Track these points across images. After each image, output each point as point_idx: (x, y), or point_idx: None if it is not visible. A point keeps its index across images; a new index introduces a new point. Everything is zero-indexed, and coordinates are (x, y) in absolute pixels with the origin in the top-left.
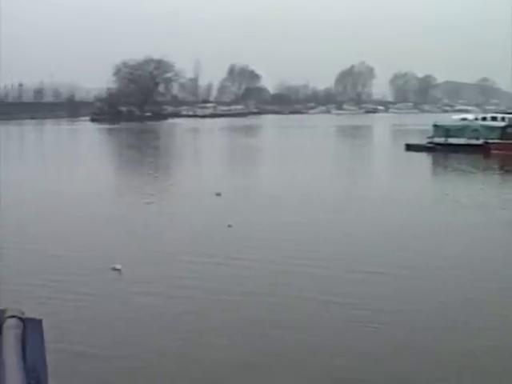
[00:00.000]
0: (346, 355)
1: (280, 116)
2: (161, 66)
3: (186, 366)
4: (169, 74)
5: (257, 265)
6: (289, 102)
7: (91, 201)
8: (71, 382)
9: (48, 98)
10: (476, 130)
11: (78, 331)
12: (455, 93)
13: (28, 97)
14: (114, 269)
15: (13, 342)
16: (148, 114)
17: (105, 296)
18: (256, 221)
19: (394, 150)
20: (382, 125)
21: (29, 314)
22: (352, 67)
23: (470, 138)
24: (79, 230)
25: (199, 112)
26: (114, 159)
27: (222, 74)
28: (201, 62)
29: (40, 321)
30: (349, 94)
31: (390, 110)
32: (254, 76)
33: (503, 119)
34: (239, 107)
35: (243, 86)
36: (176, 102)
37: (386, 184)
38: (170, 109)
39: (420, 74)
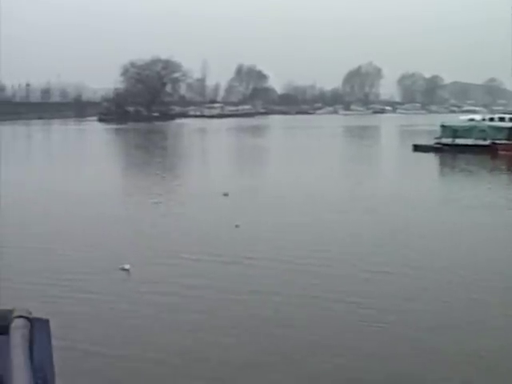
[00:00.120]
0: (347, 354)
1: (287, 116)
2: (168, 66)
3: (192, 364)
4: (176, 74)
5: (264, 264)
6: (296, 103)
7: (99, 201)
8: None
9: (55, 98)
10: (483, 131)
11: (86, 329)
12: (462, 93)
13: (35, 97)
14: (123, 269)
15: (20, 341)
16: (155, 114)
17: (114, 296)
18: (263, 221)
19: (401, 150)
20: (389, 125)
21: (42, 312)
22: (359, 67)
23: (477, 139)
24: (87, 229)
25: (206, 112)
26: (121, 159)
27: (230, 74)
28: (208, 62)
29: (47, 320)
30: (356, 95)
31: (398, 110)
32: (262, 76)
33: (511, 120)
34: (246, 107)
35: (250, 86)
36: (183, 102)
37: (393, 184)
38: (177, 109)
39: (427, 75)
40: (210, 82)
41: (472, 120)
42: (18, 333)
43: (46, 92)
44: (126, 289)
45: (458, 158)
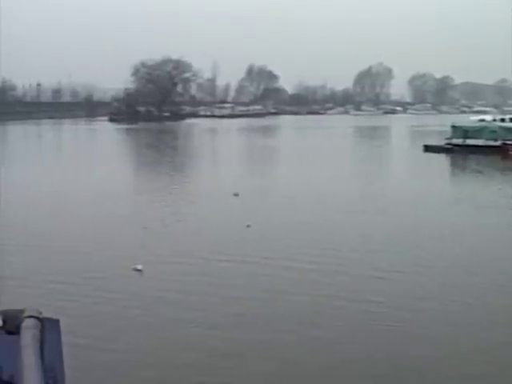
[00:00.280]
0: (360, 351)
1: (298, 116)
2: (179, 66)
3: (203, 359)
4: (187, 74)
5: (274, 264)
6: (307, 103)
7: (111, 200)
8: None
9: (66, 97)
10: (494, 131)
11: (99, 328)
12: (473, 94)
13: (46, 96)
14: (136, 269)
15: (31, 341)
16: (166, 114)
17: (129, 295)
18: (274, 221)
19: (412, 151)
20: (400, 126)
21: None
22: (370, 68)
23: (487, 139)
24: (99, 229)
25: (217, 112)
26: (132, 159)
27: (240, 74)
28: (219, 62)
29: (57, 320)
30: (367, 95)
31: (409, 110)
32: (272, 76)
33: None
34: (257, 107)
35: (261, 87)
36: (194, 102)
37: (404, 185)
38: (187, 109)
39: (438, 75)
40: (221, 82)
41: (483, 120)
42: (28, 333)
43: (56, 92)
44: (140, 289)
45: (468, 159)
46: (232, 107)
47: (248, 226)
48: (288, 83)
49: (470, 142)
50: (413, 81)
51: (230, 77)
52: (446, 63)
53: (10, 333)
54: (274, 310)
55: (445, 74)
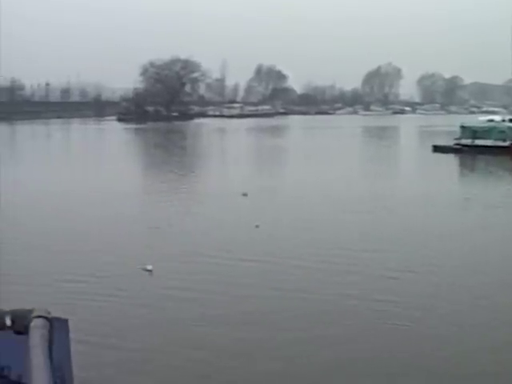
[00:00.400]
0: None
1: (307, 116)
2: (187, 65)
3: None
4: (195, 74)
5: (284, 263)
6: (315, 103)
7: (119, 200)
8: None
9: (75, 97)
10: (503, 132)
11: (107, 326)
12: (482, 94)
13: (55, 96)
14: (146, 270)
15: (39, 341)
16: (174, 113)
17: (140, 294)
18: (283, 221)
19: (421, 151)
20: (408, 126)
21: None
22: (379, 68)
23: (496, 140)
24: (108, 229)
25: (226, 112)
26: (141, 159)
27: (249, 74)
28: (227, 62)
29: (66, 320)
30: (376, 95)
31: (417, 111)
32: (281, 76)
33: None
34: (266, 107)
35: (270, 87)
36: (202, 102)
37: (412, 185)
38: (196, 109)
39: (447, 75)
40: (230, 82)
41: (491, 121)
42: (37, 333)
43: (65, 91)
44: (151, 289)
45: (477, 159)
46: (241, 107)
47: (257, 227)
48: (297, 83)
49: (478, 142)
50: (422, 81)
51: (238, 77)
52: (455, 63)
53: (18, 333)
54: (283, 309)
55: (454, 74)
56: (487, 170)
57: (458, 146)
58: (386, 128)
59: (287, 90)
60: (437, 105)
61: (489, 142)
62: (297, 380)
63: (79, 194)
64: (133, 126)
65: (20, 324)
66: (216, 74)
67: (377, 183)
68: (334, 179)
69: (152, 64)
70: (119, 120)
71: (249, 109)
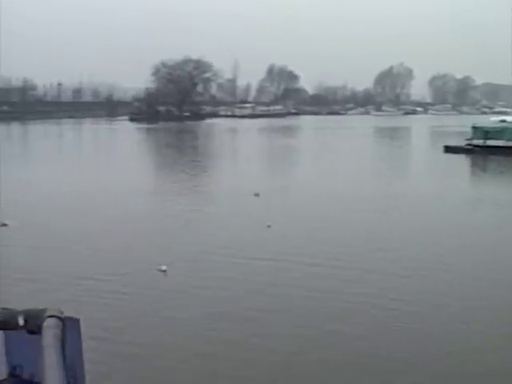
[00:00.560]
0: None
1: (318, 117)
2: (199, 66)
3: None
4: (207, 74)
5: (296, 261)
6: (327, 103)
7: (131, 199)
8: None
9: (87, 97)
10: None
11: (120, 322)
12: (494, 94)
13: (67, 96)
14: (160, 270)
15: (52, 341)
16: (186, 113)
17: (154, 291)
18: (295, 221)
19: (432, 151)
20: (420, 126)
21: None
22: (391, 68)
23: (508, 140)
24: (122, 228)
25: (237, 112)
26: (152, 158)
27: (261, 74)
28: (239, 62)
29: (78, 320)
30: (387, 95)
31: (429, 111)
32: (293, 76)
33: None
34: (278, 108)
35: (282, 87)
36: (214, 102)
37: (424, 185)
38: (208, 109)
39: (459, 76)
40: (241, 82)
41: (503, 121)
42: (50, 332)
43: (77, 91)
44: (165, 289)
45: (489, 160)
46: (252, 107)
47: (268, 227)
48: (308, 83)
49: (490, 142)
50: (433, 81)
51: (250, 77)
52: (466, 64)
53: (31, 332)
54: (295, 306)
55: (465, 75)
56: (499, 171)
57: (469, 147)
58: (398, 128)
59: (299, 91)
60: (448, 105)
61: (500, 143)
62: (308, 375)
63: (91, 194)
64: (144, 125)
65: (33, 324)
66: (228, 75)
67: (388, 183)
68: (345, 179)
69: (164, 64)
70: (131, 120)
71: (260, 109)
